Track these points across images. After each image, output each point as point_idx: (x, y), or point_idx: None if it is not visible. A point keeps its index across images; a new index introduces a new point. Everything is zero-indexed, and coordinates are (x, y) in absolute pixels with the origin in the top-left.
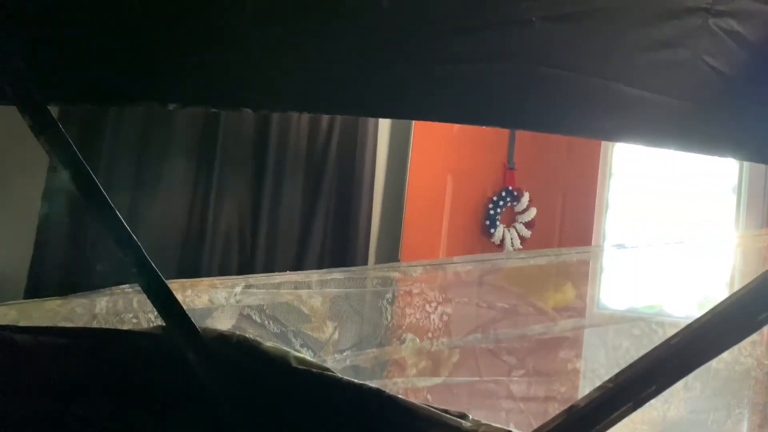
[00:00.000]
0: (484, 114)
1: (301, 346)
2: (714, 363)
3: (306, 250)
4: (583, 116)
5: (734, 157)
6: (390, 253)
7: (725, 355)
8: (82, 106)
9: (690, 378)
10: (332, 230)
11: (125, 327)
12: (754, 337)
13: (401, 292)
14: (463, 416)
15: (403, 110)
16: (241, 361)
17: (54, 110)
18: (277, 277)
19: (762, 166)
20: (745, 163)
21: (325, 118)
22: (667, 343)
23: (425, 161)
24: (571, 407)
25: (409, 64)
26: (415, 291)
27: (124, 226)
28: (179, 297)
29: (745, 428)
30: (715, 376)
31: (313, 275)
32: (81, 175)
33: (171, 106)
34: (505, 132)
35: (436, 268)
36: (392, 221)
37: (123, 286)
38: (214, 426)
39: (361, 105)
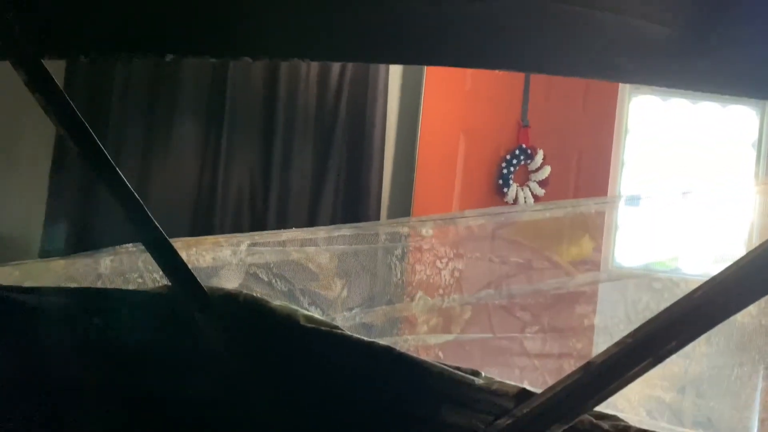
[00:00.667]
0: (495, 57)
1: (310, 304)
2: (739, 317)
3: (317, 209)
4: (598, 55)
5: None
6: (402, 213)
7: (751, 308)
8: (78, 60)
9: (712, 333)
10: (344, 189)
11: (130, 287)
12: None
13: (411, 248)
14: (476, 373)
15: (410, 54)
16: (248, 319)
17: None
18: (284, 235)
19: None
20: (765, 117)
21: (334, 77)
22: (690, 297)
23: (437, 120)
24: (588, 364)
25: (417, 4)
26: (426, 247)
27: (125, 183)
28: (184, 256)
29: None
30: (739, 331)
31: (320, 232)
32: (79, 132)
33: (169, 57)
34: (518, 88)
35: (447, 223)
36: (404, 181)
37: (127, 245)
38: (222, 385)
39: (366, 49)
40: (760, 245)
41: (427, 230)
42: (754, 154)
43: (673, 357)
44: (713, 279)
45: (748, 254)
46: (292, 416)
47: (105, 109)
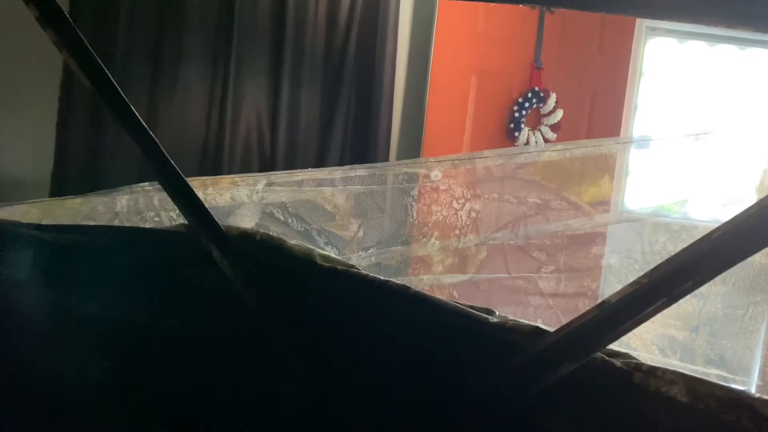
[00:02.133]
0: None
1: (326, 244)
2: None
3: (326, 152)
4: None
5: None
6: (411, 155)
7: None
8: None
9: (728, 273)
10: (352, 131)
11: (147, 225)
12: None
13: (427, 189)
14: (490, 312)
15: None
16: (265, 258)
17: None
18: (300, 175)
19: None
20: None
21: (343, 15)
22: (708, 237)
23: (448, 61)
24: (603, 303)
25: None
26: (442, 187)
27: (140, 121)
28: (200, 195)
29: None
30: (755, 271)
31: (336, 172)
32: (93, 70)
33: None
34: (532, 30)
35: (465, 163)
36: (414, 123)
37: (143, 184)
38: (240, 322)
39: None
40: None
41: (441, 171)
42: None
43: (688, 297)
44: (732, 220)
45: (765, 198)
46: (309, 352)
47: (110, 48)
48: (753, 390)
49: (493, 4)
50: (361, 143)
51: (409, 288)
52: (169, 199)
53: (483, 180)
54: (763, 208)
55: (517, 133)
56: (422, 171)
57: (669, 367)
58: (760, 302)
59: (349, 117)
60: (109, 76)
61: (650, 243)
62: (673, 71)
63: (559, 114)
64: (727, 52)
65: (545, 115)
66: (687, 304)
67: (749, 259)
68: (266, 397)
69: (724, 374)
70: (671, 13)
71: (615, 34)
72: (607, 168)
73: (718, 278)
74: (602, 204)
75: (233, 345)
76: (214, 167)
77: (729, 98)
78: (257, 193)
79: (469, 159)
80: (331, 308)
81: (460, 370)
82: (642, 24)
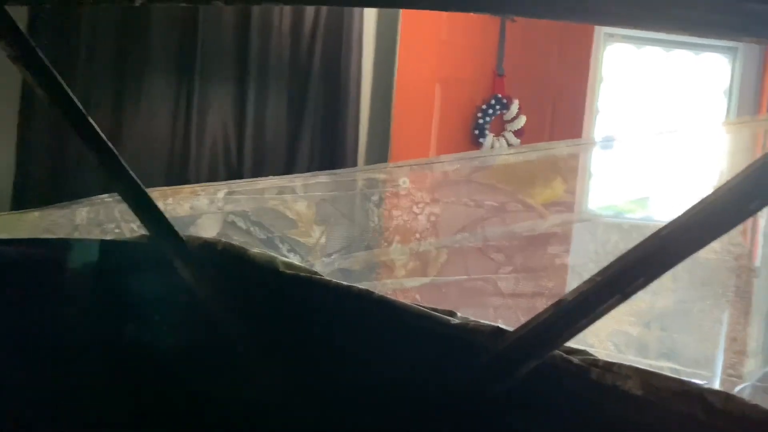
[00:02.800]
0: None
1: (289, 251)
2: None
3: (294, 160)
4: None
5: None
6: (379, 163)
7: (715, 244)
8: (42, 7)
9: (678, 269)
10: (320, 140)
11: (108, 237)
12: (745, 225)
13: (388, 194)
14: (452, 314)
15: None
16: (228, 267)
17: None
18: (261, 183)
19: (754, 68)
20: (737, 65)
21: (307, 25)
22: (657, 234)
23: (413, 69)
24: (559, 301)
25: None
26: (403, 192)
27: (99, 133)
28: (161, 205)
29: (729, 316)
30: (703, 266)
31: (298, 179)
32: (48, 82)
33: (138, 2)
34: (494, 37)
35: (424, 168)
36: (380, 131)
37: (103, 195)
38: (202, 331)
39: None
40: (724, 184)
41: (403, 176)
42: (725, 101)
43: (640, 293)
44: (678, 218)
45: (711, 193)
46: (273, 359)
47: (72, 59)
48: (717, 383)
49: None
50: (328, 152)
51: (372, 293)
52: (129, 210)
53: (442, 184)
54: (705, 206)
55: (481, 139)
56: (382, 176)
57: (624, 362)
58: (707, 297)
59: (316, 126)
60: (66, 88)
61: (603, 243)
62: (631, 76)
63: (522, 120)
64: (683, 57)
65: (509, 121)
66: (639, 300)
67: (695, 255)
68: (232, 403)
69: (676, 367)
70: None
71: (574, 41)
72: (559, 170)
73: (668, 274)
74: (556, 205)
75: (197, 353)
76: (180, 179)
77: (685, 102)
78: (218, 202)
79: (427, 164)
80: (295, 315)
81: (424, 372)
82: (600, 31)
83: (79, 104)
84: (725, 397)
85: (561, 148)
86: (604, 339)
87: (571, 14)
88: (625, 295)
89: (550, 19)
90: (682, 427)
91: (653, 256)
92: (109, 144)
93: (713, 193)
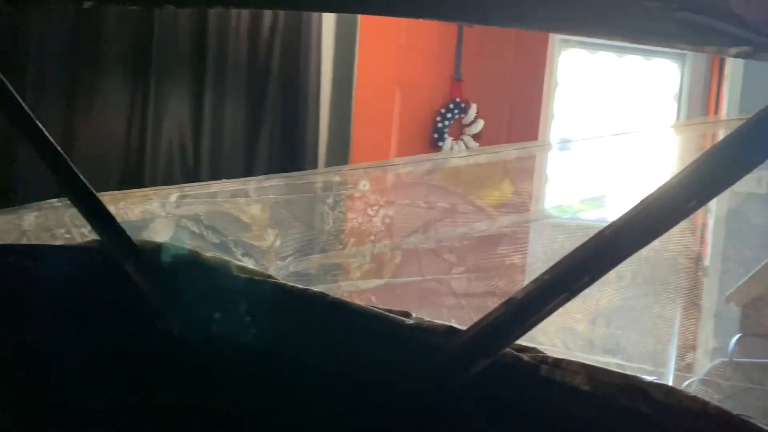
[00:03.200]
0: (424, 5)
1: (243, 255)
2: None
3: (253, 164)
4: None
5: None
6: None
7: (655, 243)
8: None
9: (622, 267)
10: (279, 144)
11: (58, 242)
12: (683, 224)
13: (343, 197)
14: (406, 314)
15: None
16: (181, 271)
17: None
18: (213, 186)
19: (701, 74)
20: (686, 70)
21: (265, 29)
22: (601, 234)
23: (372, 73)
24: (509, 300)
25: None
26: (357, 195)
27: (47, 137)
28: (112, 210)
29: (679, 313)
30: (645, 264)
31: (251, 182)
32: None
33: (86, 4)
34: (452, 42)
35: (377, 171)
36: (340, 135)
37: (51, 200)
38: (156, 337)
39: None
40: (663, 185)
41: (357, 179)
42: (675, 105)
43: (587, 291)
44: (622, 217)
45: (651, 193)
46: (227, 365)
47: (22, 61)
48: (671, 378)
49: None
50: (288, 155)
51: (327, 295)
52: (80, 215)
53: (396, 187)
54: (647, 206)
55: (441, 143)
56: (337, 179)
57: (572, 359)
58: (648, 294)
59: (275, 129)
60: (12, 90)
61: (550, 242)
62: (586, 81)
63: (480, 124)
64: (635, 62)
65: (467, 126)
66: (586, 297)
67: (640, 252)
68: (185, 411)
69: (621, 362)
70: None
71: (530, 47)
72: (507, 173)
73: (612, 273)
74: (505, 206)
75: (151, 360)
76: (136, 183)
77: (637, 106)
78: (170, 206)
79: (381, 167)
80: (250, 319)
81: (379, 372)
82: (555, 36)
83: (25, 107)
84: (666, 390)
85: (508, 151)
86: (553, 336)
87: (518, 22)
88: (572, 293)
89: (498, 26)
90: (625, 420)
91: (597, 255)
92: (58, 147)
93: (653, 194)
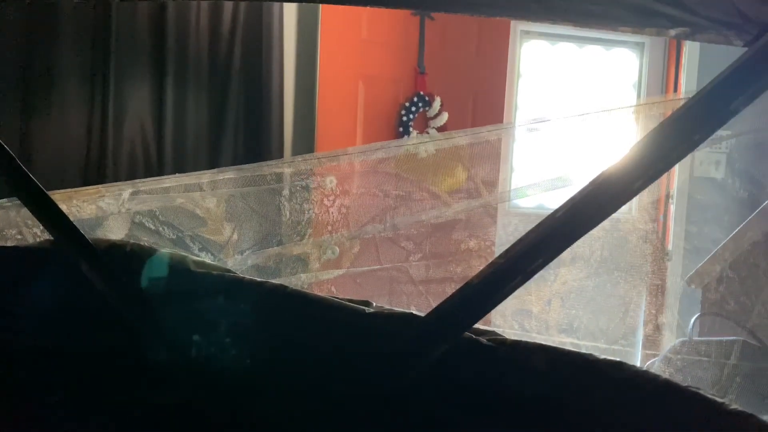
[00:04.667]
0: None
1: (200, 250)
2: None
3: (217, 160)
4: None
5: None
6: None
7: (605, 223)
8: None
9: (574, 248)
10: (243, 142)
11: (9, 243)
12: (629, 206)
13: (298, 188)
14: (367, 303)
15: None
16: (137, 269)
17: None
18: (167, 181)
19: (659, 62)
20: (645, 59)
21: (226, 23)
22: (552, 216)
23: (335, 67)
24: (466, 285)
25: None
26: (313, 186)
27: None
28: (64, 208)
29: (623, 290)
30: (596, 244)
31: (204, 176)
32: None
33: None
34: (414, 35)
35: (331, 161)
36: (305, 129)
37: (1, 200)
38: (114, 336)
39: None
40: (609, 167)
41: (313, 169)
42: (634, 93)
43: (542, 272)
44: (572, 199)
45: (600, 174)
46: (188, 361)
47: None
48: (638, 358)
49: (376, 10)
50: (253, 152)
51: (286, 287)
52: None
53: (350, 176)
54: (595, 187)
55: (406, 136)
56: (291, 170)
57: (528, 340)
58: (602, 273)
59: (239, 125)
60: None
61: (504, 226)
62: (547, 72)
63: (445, 116)
64: (595, 52)
65: (431, 118)
66: (540, 279)
67: (591, 233)
68: (146, 410)
69: (576, 341)
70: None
71: (492, 38)
72: (460, 159)
73: (566, 254)
74: (459, 192)
75: (110, 360)
76: (98, 182)
77: (597, 95)
78: (124, 202)
79: (334, 156)
80: (209, 314)
81: (341, 362)
82: (516, 27)
83: None
84: (620, 366)
85: (459, 137)
86: (510, 318)
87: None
88: (526, 276)
89: (446, 12)
90: (582, 397)
91: (550, 237)
92: (6, 147)
93: (600, 176)
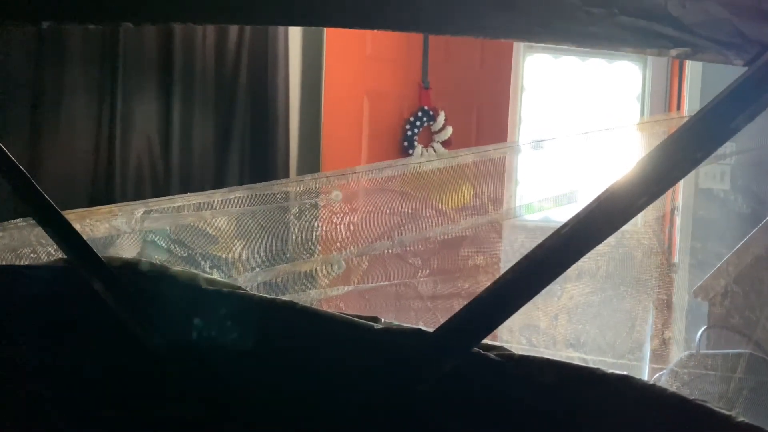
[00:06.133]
0: (376, 17)
1: (211, 267)
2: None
3: (224, 177)
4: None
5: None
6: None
7: (610, 239)
8: None
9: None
10: (249, 159)
11: (24, 262)
12: (635, 221)
13: (307, 206)
14: (375, 319)
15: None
16: (149, 287)
17: None
18: (179, 200)
19: (662, 75)
20: (647, 72)
21: (231, 43)
22: (558, 233)
23: (340, 83)
24: (474, 301)
25: None
26: (321, 203)
27: (8, 155)
28: (78, 227)
29: (630, 304)
30: (602, 259)
31: (216, 195)
32: None
33: (44, 25)
34: (418, 50)
35: (339, 179)
36: (310, 146)
37: (16, 220)
38: (127, 353)
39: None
40: (615, 182)
41: (321, 187)
42: (638, 106)
43: (549, 287)
44: (577, 215)
45: (605, 191)
46: (202, 378)
47: None
48: (645, 371)
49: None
50: (259, 169)
51: (296, 303)
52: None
53: (358, 194)
54: (600, 203)
55: (411, 151)
56: (300, 189)
57: (536, 354)
58: (608, 288)
59: (245, 142)
60: None
61: (511, 242)
62: (551, 85)
63: (449, 131)
64: (598, 65)
65: (436, 133)
66: (547, 294)
67: (596, 249)
68: (160, 427)
69: (583, 355)
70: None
71: (495, 52)
72: (466, 176)
73: (572, 269)
74: (465, 209)
75: (124, 378)
76: (105, 199)
77: (601, 108)
78: (136, 221)
79: (342, 175)
80: (221, 331)
81: (350, 378)
82: (519, 42)
83: None
84: (627, 380)
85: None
86: (517, 333)
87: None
88: (533, 291)
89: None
90: (591, 411)
91: (557, 253)
92: (21, 167)
93: (605, 192)
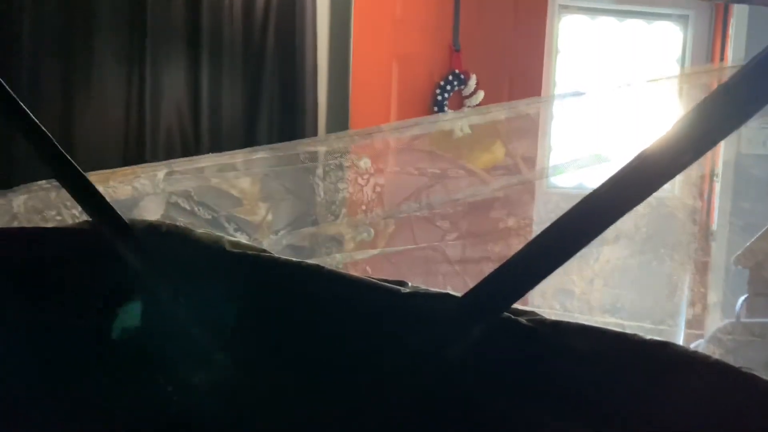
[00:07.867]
0: None
1: (235, 230)
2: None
3: (253, 140)
4: None
5: None
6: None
7: (650, 199)
8: None
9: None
10: (278, 122)
11: (49, 225)
12: (678, 178)
13: (332, 167)
14: (402, 284)
15: None
16: (173, 249)
17: None
18: (202, 161)
19: (704, 35)
20: (689, 32)
21: (259, 6)
22: (596, 192)
23: (368, 47)
24: (504, 264)
25: None
26: (346, 164)
27: (30, 116)
28: (101, 189)
29: (668, 269)
30: (642, 221)
31: (238, 156)
32: None
33: None
34: (449, 12)
35: (364, 138)
36: (339, 111)
37: (40, 182)
38: (151, 316)
39: None
40: (656, 141)
41: (344, 146)
42: (678, 69)
43: (584, 250)
44: (616, 174)
45: (644, 150)
46: (224, 340)
47: (16, 45)
48: (681, 338)
49: None
50: (287, 132)
51: (322, 267)
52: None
53: (384, 154)
54: (642, 161)
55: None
56: (324, 149)
57: (569, 320)
58: (645, 251)
59: (274, 105)
60: None
61: (545, 203)
62: (587, 47)
63: (480, 95)
64: (636, 26)
65: (467, 97)
66: (582, 258)
67: (636, 209)
68: (185, 391)
69: (619, 321)
70: None
71: (529, 14)
72: (498, 134)
73: (608, 231)
74: (497, 169)
75: (147, 340)
76: (136, 164)
77: (639, 71)
78: (159, 182)
79: (368, 134)
80: (245, 294)
81: (378, 343)
82: (554, 1)
83: (9, 90)
84: (666, 346)
85: (500, 111)
86: (550, 298)
87: None
88: (567, 254)
89: None
90: (626, 379)
91: (593, 214)
92: (43, 128)
93: (647, 149)
